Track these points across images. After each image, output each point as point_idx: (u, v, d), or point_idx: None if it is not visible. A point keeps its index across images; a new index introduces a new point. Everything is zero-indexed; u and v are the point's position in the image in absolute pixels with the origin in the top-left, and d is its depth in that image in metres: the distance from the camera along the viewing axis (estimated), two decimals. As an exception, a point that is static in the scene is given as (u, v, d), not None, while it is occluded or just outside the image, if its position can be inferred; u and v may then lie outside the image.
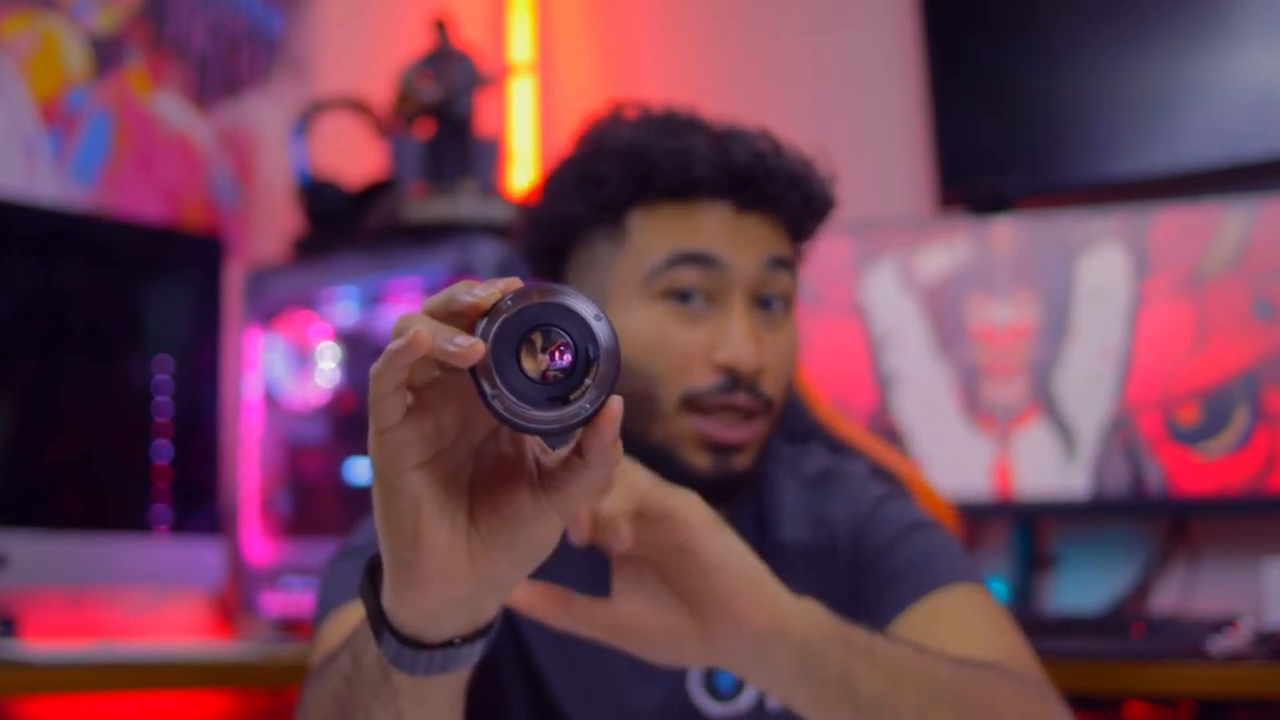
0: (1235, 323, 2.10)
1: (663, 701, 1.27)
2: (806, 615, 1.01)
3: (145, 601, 2.33)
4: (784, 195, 1.26)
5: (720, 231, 1.24)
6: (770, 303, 1.26)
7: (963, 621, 1.20)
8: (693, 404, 1.23)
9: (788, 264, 1.27)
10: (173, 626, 2.36)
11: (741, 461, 1.24)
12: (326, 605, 1.22)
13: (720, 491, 1.25)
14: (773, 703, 1.27)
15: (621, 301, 1.25)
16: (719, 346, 1.23)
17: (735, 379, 1.22)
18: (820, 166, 1.31)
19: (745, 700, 1.27)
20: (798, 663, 1.00)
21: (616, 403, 0.75)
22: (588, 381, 0.74)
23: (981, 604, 1.22)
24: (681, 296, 1.23)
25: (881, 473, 1.37)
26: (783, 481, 1.34)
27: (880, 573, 1.26)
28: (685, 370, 1.23)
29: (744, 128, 1.29)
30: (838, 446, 1.45)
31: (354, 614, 1.19)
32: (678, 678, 1.27)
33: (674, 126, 1.27)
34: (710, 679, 1.27)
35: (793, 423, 1.46)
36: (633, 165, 1.25)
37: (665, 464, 1.24)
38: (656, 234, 1.25)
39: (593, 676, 1.27)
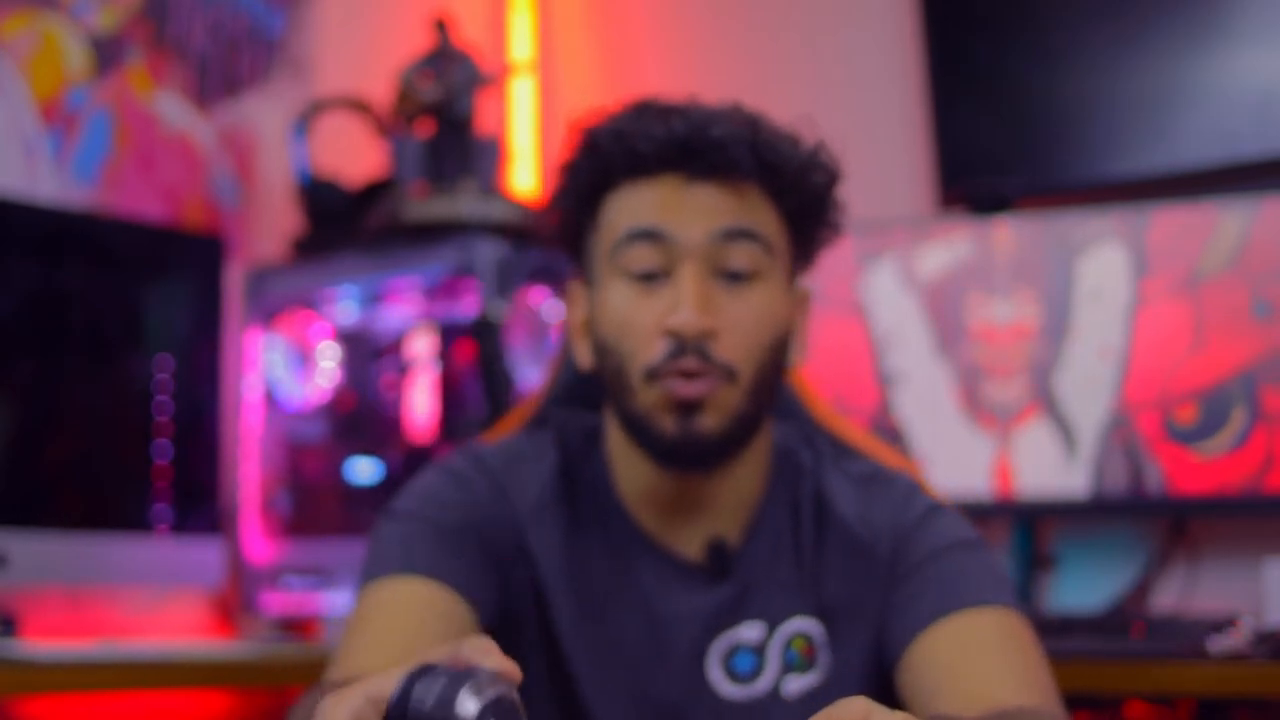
0: (1233, 323, 2.10)
1: (679, 679, 1.28)
2: None
3: (145, 601, 2.33)
4: (735, 160, 1.25)
5: (667, 205, 1.26)
6: (735, 274, 1.26)
7: (992, 646, 1.20)
8: (652, 375, 1.25)
9: (750, 234, 1.26)
10: (173, 626, 2.36)
11: (707, 422, 1.24)
12: (368, 573, 1.27)
13: (689, 455, 1.27)
14: (789, 688, 1.28)
15: (600, 282, 1.29)
16: (668, 315, 1.24)
17: (681, 343, 1.23)
18: (805, 135, 1.30)
19: (763, 684, 1.28)
20: None
21: None
22: None
23: (1013, 631, 1.22)
24: (639, 272, 1.26)
25: (923, 488, 1.37)
26: (831, 473, 1.35)
27: (918, 580, 1.26)
28: (645, 345, 1.25)
29: (713, 105, 1.29)
30: (837, 447, 1.45)
31: (389, 590, 1.23)
32: (696, 657, 1.28)
33: (636, 111, 1.29)
34: (729, 660, 1.29)
35: (793, 420, 1.47)
36: (593, 153, 1.29)
37: (643, 433, 1.27)
38: (616, 214, 1.28)
39: (610, 647, 1.29)
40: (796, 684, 1.28)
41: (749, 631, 1.29)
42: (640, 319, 1.25)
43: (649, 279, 1.26)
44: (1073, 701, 2.10)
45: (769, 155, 1.27)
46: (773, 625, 1.29)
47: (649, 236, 1.25)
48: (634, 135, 1.26)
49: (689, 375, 1.23)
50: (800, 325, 1.34)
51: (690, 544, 1.31)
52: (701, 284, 1.24)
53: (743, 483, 1.31)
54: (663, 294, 1.25)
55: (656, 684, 1.28)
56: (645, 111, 1.29)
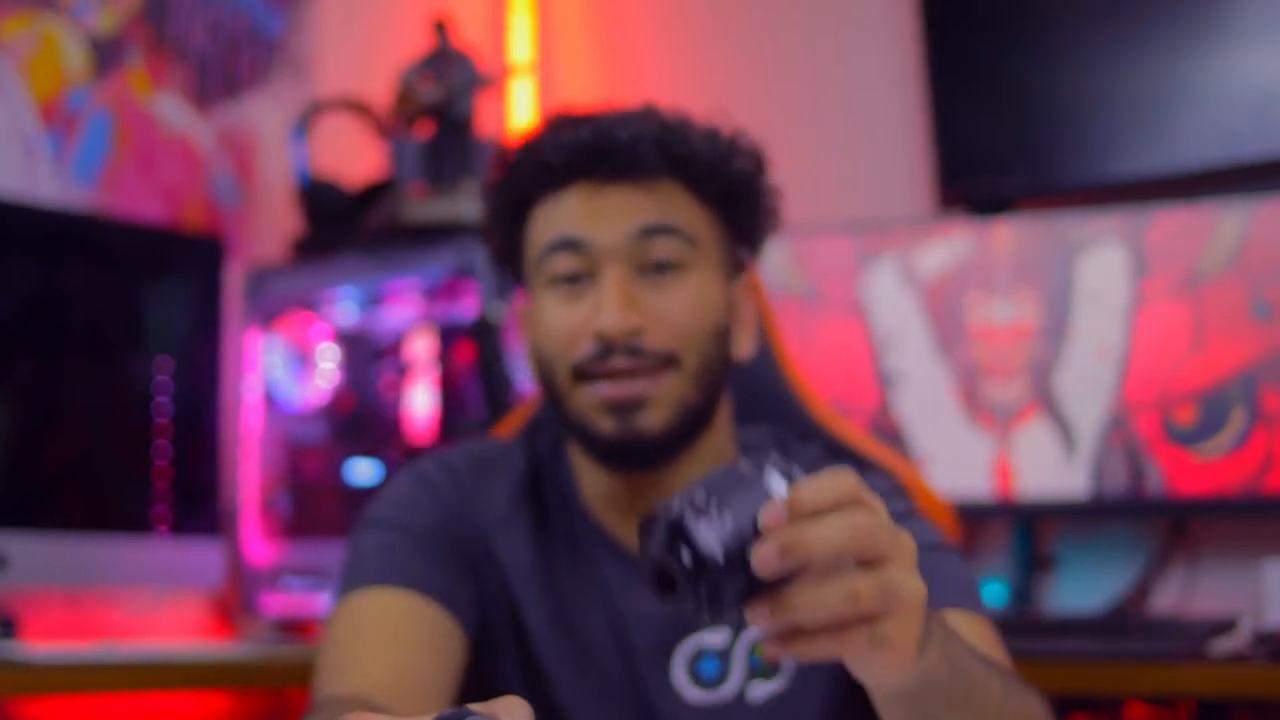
0: (1232, 323, 2.10)
1: (645, 681, 1.28)
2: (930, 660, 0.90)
3: (145, 602, 2.33)
4: (642, 159, 1.26)
5: (581, 212, 1.28)
6: (661, 268, 1.27)
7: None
8: (579, 374, 1.26)
9: (667, 229, 1.27)
10: (173, 627, 2.36)
11: (650, 419, 1.25)
12: (346, 583, 1.27)
13: (631, 454, 1.27)
14: (754, 694, 1.28)
15: (533, 296, 1.31)
16: (594, 318, 1.26)
17: (608, 344, 1.25)
18: (721, 128, 1.31)
19: (728, 689, 1.28)
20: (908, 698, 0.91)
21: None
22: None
23: (988, 635, 1.21)
24: (564, 279, 1.28)
25: (902, 491, 1.37)
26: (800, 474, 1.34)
27: None
28: (571, 345, 1.27)
29: (623, 109, 1.30)
30: (836, 448, 1.45)
31: (375, 600, 1.23)
32: (662, 659, 1.29)
33: (548, 125, 1.31)
34: (694, 665, 1.29)
35: (789, 422, 1.47)
36: (509, 172, 1.32)
37: (583, 436, 1.28)
38: (538, 227, 1.30)
39: (581, 649, 1.30)
40: (761, 690, 1.28)
41: (713, 636, 1.29)
42: (565, 321, 1.27)
43: (574, 284, 1.27)
44: (1072, 703, 2.10)
45: (678, 149, 1.28)
46: (736, 630, 1.29)
47: (568, 245, 1.27)
48: (543, 148, 1.29)
49: (619, 375, 1.25)
50: (745, 314, 1.34)
51: None
52: (623, 284, 1.26)
53: None
54: (588, 298, 1.27)
55: (625, 685, 1.28)
56: (555, 124, 1.30)
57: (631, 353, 1.25)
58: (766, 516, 0.79)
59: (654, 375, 1.25)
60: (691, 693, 1.28)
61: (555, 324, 1.28)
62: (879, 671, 0.86)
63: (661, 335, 1.25)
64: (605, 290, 1.25)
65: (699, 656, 1.29)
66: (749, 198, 1.32)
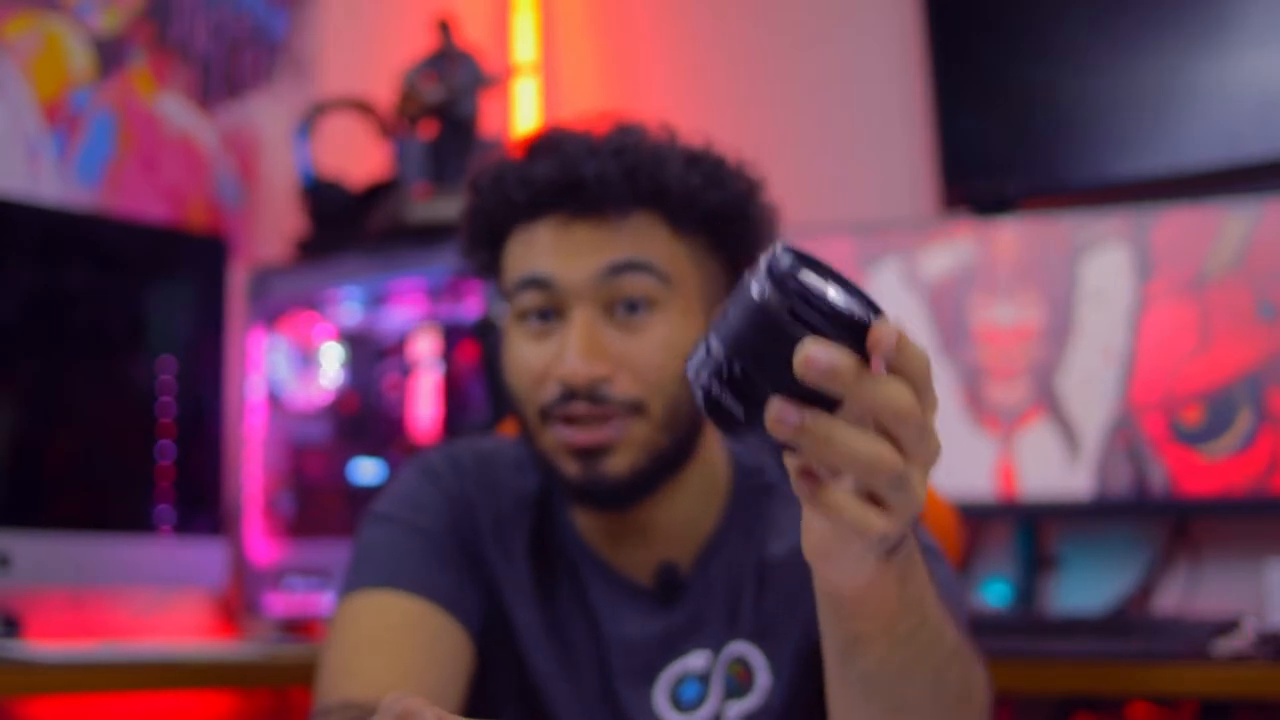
0: (1238, 324, 2.09)
1: (625, 702, 1.27)
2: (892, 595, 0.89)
3: (148, 602, 2.33)
4: (609, 194, 1.23)
5: (551, 248, 1.24)
6: (632, 306, 1.24)
7: None
8: (546, 416, 1.24)
9: (637, 265, 1.23)
10: (176, 627, 2.36)
11: (614, 465, 1.23)
12: (352, 580, 1.26)
13: (597, 497, 1.26)
14: (729, 715, 1.27)
15: (507, 324, 1.28)
16: (558, 361, 1.23)
17: (571, 390, 1.22)
18: (705, 152, 1.27)
19: (705, 712, 1.27)
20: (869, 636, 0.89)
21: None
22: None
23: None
24: (533, 315, 1.25)
25: None
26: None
27: None
28: (538, 386, 1.24)
29: (600, 134, 1.26)
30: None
31: (383, 603, 1.23)
32: (645, 683, 1.28)
33: (520, 152, 1.27)
34: (676, 689, 1.28)
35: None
36: (480, 201, 1.29)
37: (551, 475, 1.27)
38: (511, 260, 1.27)
39: (569, 662, 1.29)
40: (736, 710, 1.27)
41: (696, 660, 1.28)
42: (532, 360, 1.25)
43: (543, 320, 1.25)
44: (1075, 702, 2.10)
45: (650, 182, 1.24)
46: (716, 652, 1.28)
47: (536, 283, 1.24)
48: (511, 182, 1.26)
49: (579, 421, 1.22)
50: None
51: (641, 568, 1.30)
52: (589, 329, 1.23)
53: (686, 510, 1.29)
54: (556, 337, 1.24)
55: (604, 706, 1.28)
56: (528, 151, 1.27)
57: (595, 400, 1.22)
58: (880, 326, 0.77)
59: (619, 421, 1.23)
60: (672, 717, 1.27)
61: (523, 363, 1.25)
62: (842, 559, 0.82)
63: (627, 383, 1.23)
64: (570, 334, 1.23)
65: (682, 681, 1.27)
66: (738, 222, 1.28)
